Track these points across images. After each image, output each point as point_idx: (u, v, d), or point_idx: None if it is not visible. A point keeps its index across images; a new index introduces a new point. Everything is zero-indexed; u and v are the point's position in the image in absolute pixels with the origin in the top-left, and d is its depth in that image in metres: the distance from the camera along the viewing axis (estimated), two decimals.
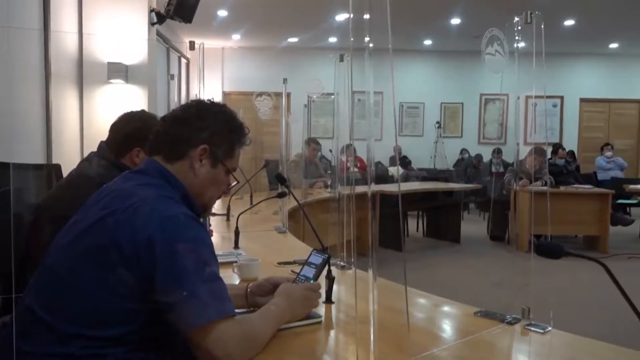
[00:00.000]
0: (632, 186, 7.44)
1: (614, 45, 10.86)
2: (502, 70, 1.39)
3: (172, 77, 6.84)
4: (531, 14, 1.38)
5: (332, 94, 2.11)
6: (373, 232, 1.07)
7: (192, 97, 9.00)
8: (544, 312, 1.46)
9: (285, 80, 3.08)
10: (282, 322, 1.33)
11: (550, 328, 1.39)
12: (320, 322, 1.43)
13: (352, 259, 1.94)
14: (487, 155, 10.55)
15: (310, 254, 1.61)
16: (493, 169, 8.84)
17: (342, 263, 2.11)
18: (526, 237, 6.16)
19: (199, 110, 1.33)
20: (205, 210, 1.39)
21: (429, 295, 1.73)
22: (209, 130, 1.30)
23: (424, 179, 8.80)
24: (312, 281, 1.50)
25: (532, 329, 1.39)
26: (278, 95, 3.52)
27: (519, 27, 1.33)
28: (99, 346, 1.13)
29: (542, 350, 1.33)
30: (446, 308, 1.65)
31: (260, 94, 3.47)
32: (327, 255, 1.56)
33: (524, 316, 1.44)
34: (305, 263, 1.58)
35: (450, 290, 4.43)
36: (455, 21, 8.62)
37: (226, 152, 1.34)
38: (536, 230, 6.31)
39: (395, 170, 9.94)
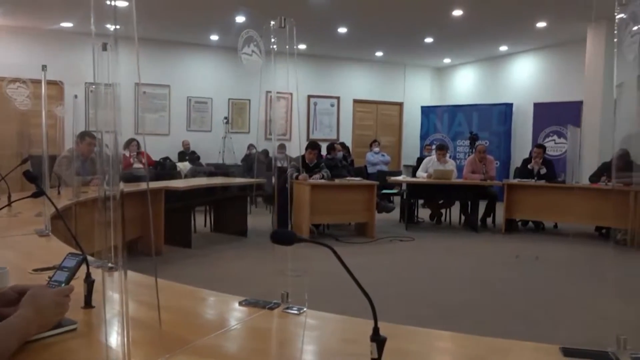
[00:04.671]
0: (393, 178, 8.54)
1: (379, 53, 12.30)
2: (260, 69, 1.47)
3: None
4: (284, 19, 1.48)
5: (96, 84, 1.96)
6: (123, 231, 1.04)
7: None
8: (302, 295, 1.60)
9: (44, 67, 2.76)
10: (29, 334, 1.20)
11: (305, 309, 1.51)
12: (75, 329, 1.33)
13: (120, 260, 1.84)
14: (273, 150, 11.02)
15: (65, 257, 1.49)
16: (278, 164, 9.27)
17: (110, 264, 1.99)
18: (306, 226, 6.65)
19: None
20: None
21: (199, 290, 1.74)
22: None
23: (212, 174, 8.81)
24: (63, 285, 1.39)
25: (289, 311, 1.50)
26: (45, 83, 3.14)
27: (271, 30, 1.41)
28: None
29: (297, 329, 1.44)
30: (214, 300, 1.68)
31: (13, 81, 3.05)
32: (82, 257, 1.46)
33: (283, 300, 1.55)
34: (59, 268, 1.45)
35: (233, 282, 4.56)
36: (240, 19, 8.78)
37: None
38: (315, 219, 6.87)
39: (183, 166, 9.76)
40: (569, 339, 3.34)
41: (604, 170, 7.16)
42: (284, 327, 1.45)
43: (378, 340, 1.07)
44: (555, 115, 10.07)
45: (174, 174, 8.40)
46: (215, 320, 1.52)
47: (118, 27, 1.08)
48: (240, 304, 1.57)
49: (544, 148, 8.11)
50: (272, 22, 1.50)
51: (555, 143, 10.22)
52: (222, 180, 7.40)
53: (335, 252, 0.95)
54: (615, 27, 1.18)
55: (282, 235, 0.96)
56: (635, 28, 1.18)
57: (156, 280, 1.20)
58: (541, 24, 9.14)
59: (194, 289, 1.76)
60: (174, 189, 5.65)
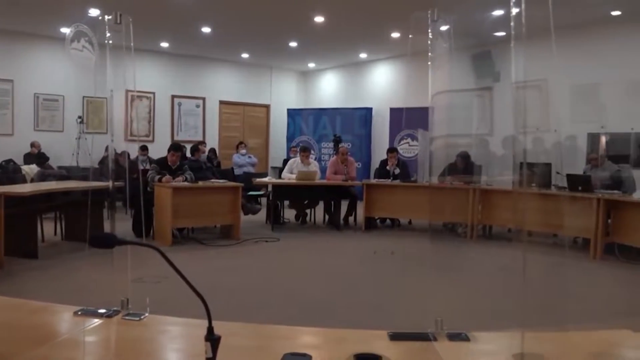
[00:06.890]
0: (259, 179, 8.58)
1: (245, 55, 12.29)
2: (93, 65, 1.40)
3: None
4: (120, 15, 1.42)
5: None
6: None
7: None
8: (144, 300, 1.55)
9: None
10: None
11: (147, 314, 1.47)
12: None
13: None
14: (134, 152, 10.46)
15: None
16: (140, 166, 8.84)
17: None
18: (168, 231, 6.42)
19: None
20: None
21: (29, 302, 1.61)
22: None
23: (63, 177, 8.14)
24: None
25: (129, 318, 1.45)
26: None
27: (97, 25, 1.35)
28: None
29: (136, 336, 1.40)
30: (46, 312, 1.56)
31: None
32: None
33: (124, 307, 1.49)
34: None
35: (79, 293, 4.25)
36: (95, 12, 8.23)
37: None
38: (178, 223, 6.65)
39: (30, 169, 8.89)
40: (405, 324, 3.62)
41: (449, 170, 7.87)
42: (123, 335, 1.40)
43: (212, 339, 1.09)
44: (409, 120, 10.86)
45: (16, 178, 7.61)
46: (45, 333, 1.41)
47: None
48: (75, 314, 1.48)
49: (396, 151, 8.72)
50: (108, 17, 1.44)
51: (409, 145, 11.03)
52: (73, 184, 6.87)
53: (162, 254, 0.94)
54: (429, 42, 1.30)
55: (101, 239, 0.93)
56: (445, 45, 1.32)
57: None
58: (395, 34, 9.79)
59: (24, 301, 1.62)
60: (14, 194, 5.13)
